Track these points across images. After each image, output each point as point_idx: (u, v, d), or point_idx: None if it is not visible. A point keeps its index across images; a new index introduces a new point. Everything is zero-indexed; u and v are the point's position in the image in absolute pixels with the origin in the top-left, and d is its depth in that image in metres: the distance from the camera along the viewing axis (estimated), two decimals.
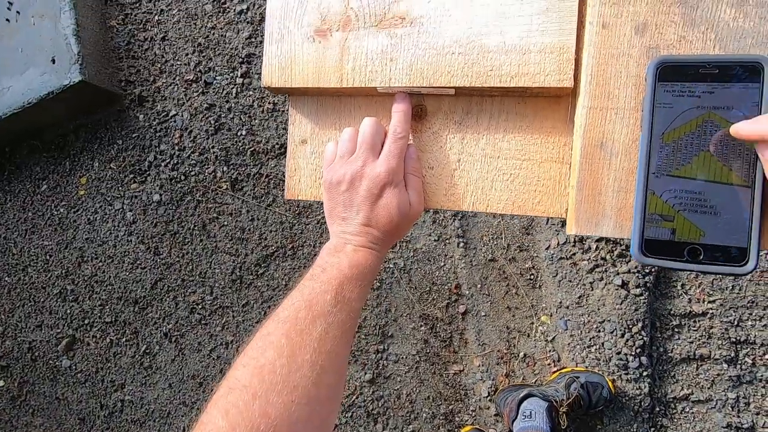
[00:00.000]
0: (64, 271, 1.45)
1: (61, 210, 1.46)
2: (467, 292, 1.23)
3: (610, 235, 0.36)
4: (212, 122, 1.35)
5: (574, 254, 1.15)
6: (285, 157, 0.90)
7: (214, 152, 1.35)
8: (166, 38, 1.41)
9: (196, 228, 1.37)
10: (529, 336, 1.19)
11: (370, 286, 0.42)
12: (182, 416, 1.36)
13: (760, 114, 0.32)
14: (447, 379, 1.21)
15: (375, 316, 1.26)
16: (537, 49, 0.38)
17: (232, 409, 0.31)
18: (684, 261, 0.33)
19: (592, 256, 1.13)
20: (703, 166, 0.33)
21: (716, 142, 0.33)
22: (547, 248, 1.17)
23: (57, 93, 1.29)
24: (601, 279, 1.12)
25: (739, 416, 1.06)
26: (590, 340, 1.12)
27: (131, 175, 1.41)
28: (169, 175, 1.38)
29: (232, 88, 1.35)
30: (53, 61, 1.30)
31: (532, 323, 1.19)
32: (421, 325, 1.24)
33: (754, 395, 1.06)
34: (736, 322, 1.07)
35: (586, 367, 1.10)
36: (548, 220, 1.18)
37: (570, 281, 1.14)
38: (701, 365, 1.08)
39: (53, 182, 1.48)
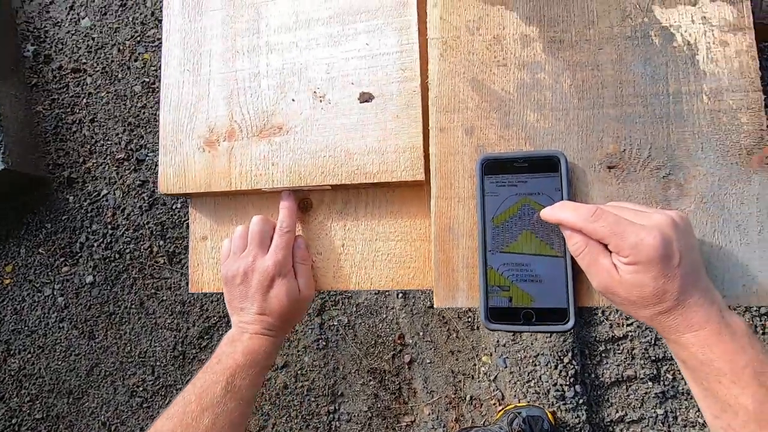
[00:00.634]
0: None
1: None
2: (411, 341, 1.26)
3: (465, 306, 0.42)
4: (146, 198, 1.36)
5: None
6: None
7: (149, 228, 1.35)
8: (96, 119, 1.43)
9: (133, 306, 1.33)
10: (473, 377, 1.23)
11: (265, 371, 0.45)
12: None
13: (562, 197, 0.40)
14: None
15: (323, 376, 1.26)
16: (392, 150, 0.45)
17: None
18: (521, 324, 0.39)
19: None
20: (527, 243, 0.40)
21: (534, 222, 0.40)
22: None
23: None
24: None
25: (669, 431, 1.13)
26: (528, 375, 1.17)
27: (62, 259, 1.37)
28: (103, 255, 1.35)
29: None
30: None
31: (475, 364, 1.23)
32: (370, 380, 1.25)
33: (680, 408, 1.14)
34: (653, 341, 1.16)
35: (528, 402, 1.15)
36: None
37: None
38: (630, 386, 1.16)
39: None
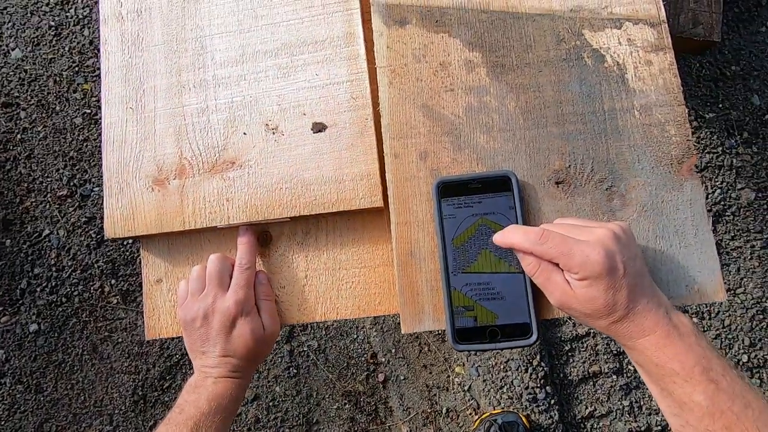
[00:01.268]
0: None
1: None
2: (384, 359, 1.25)
3: (432, 329, 0.42)
4: (93, 236, 1.28)
5: None
6: None
7: (98, 266, 1.27)
8: (32, 156, 1.34)
9: (85, 352, 1.24)
10: (448, 390, 1.23)
11: (232, 416, 0.43)
12: None
13: (516, 215, 0.41)
14: None
15: (297, 405, 1.23)
16: (349, 178, 0.45)
17: None
18: (487, 342, 0.40)
19: None
20: (486, 262, 0.41)
21: (491, 242, 0.41)
22: None
23: None
24: None
25: (636, 420, 1.18)
26: (501, 381, 1.19)
27: (0, 308, 1.26)
28: (48, 300, 1.26)
29: None
30: None
31: (449, 376, 1.24)
32: (345, 403, 1.23)
33: (643, 398, 1.19)
34: None
35: (502, 408, 1.16)
36: None
37: None
38: (596, 381, 1.20)
39: None
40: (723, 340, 1.21)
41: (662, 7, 0.45)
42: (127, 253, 1.28)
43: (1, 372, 1.23)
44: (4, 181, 1.32)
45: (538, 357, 1.18)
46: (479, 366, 1.21)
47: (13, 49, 1.40)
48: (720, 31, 0.80)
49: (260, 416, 1.23)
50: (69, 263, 1.28)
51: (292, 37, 0.48)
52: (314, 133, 0.46)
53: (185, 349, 1.26)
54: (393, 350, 1.25)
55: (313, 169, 0.46)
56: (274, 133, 0.47)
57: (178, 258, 0.50)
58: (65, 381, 1.23)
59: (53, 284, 1.27)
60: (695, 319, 1.22)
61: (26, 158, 1.33)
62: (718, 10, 0.79)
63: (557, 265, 0.35)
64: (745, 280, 1.23)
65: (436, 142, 0.45)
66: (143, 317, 0.50)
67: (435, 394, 1.22)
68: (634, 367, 1.20)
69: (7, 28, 1.41)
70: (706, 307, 1.22)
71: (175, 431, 0.39)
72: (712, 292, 0.40)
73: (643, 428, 1.17)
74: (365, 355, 1.25)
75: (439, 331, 1.25)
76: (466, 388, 1.21)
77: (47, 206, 1.31)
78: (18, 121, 1.36)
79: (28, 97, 1.37)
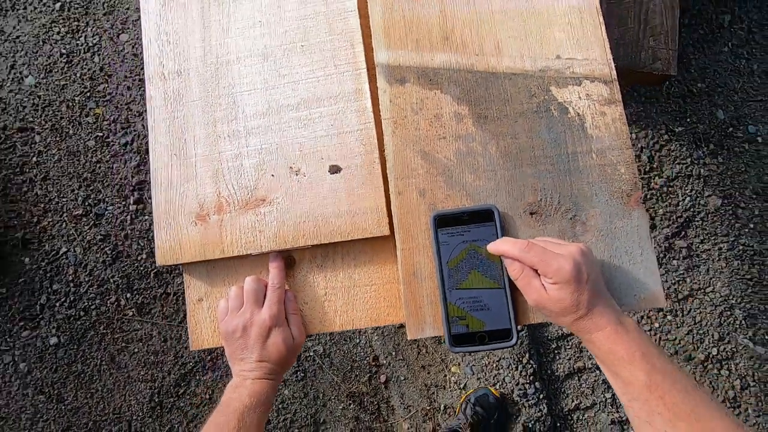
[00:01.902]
0: None
1: None
2: (385, 362, 1.35)
3: (432, 335, 0.52)
4: (108, 252, 1.36)
5: None
6: None
7: (114, 281, 1.35)
8: (48, 177, 1.41)
9: (103, 363, 1.32)
10: (445, 388, 1.33)
11: (269, 411, 0.52)
12: None
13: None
14: None
15: (304, 406, 1.31)
16: (361, 212, 0.55)
17: None
18: (478, 345, 0.50)
19: None
20: (475, 279, 0.51)
21: (478, 264, 0.51)
22: None
23: None
24: None
25: (618, 412, 1.29)
26: (493, 378, 1.29)
27: (21, 323, 1.33)
28: (66, 314, 1.33)
29: (126, 216, 1.39)
30: None
31: (445, 375, 1.34)
32: (350, 404, 1.32)
33: None
34: None
35: (475, 388, 1.26)
36: None
37: None
38: (581, 376, 1.31)
39: None
40: (695, 335, 1.32)
41: (614, 68, 0.55)
42: (141, 268, 1.36)
43: (24, 383, 1.30)
44: (22, 202, 1.39)
45: (527, 355, 1.28)
46: (473, 365, 1.30)
47: (26, 77, 1.47)
48: (676, 65, 0.91)
49: (271, 418, 1.31)
50: (86, 279, 1.35)
51: (310, 93, 0.58)
52: (331, 174, 0.56)
53: (199, 356, 1.34)
54: (393, 353, 1.34)
55: (331, 204, 0.55)
56: (297, 175, 0.56)
57: (216, 280, 0.59)
58: (85, 390, 1.31)
59: (71, 299, 1.34)
60: (669, 317, 1.33)
61: (42, 180, 1.41)
62: (674, 47, 0.90)
63: (536, 272, 0.45)
64: (713, 279, 1.34)
65: (432, 182, 0.54)
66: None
67: (433, 393, 1.32)
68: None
69: (20, 56, 1.49)
70: (679, 306, 1.34)
71: (225, 419, 0.48)
72: (654, 300, 0.50)
73: (624, 418, 1.27)
74: (368, 358, 1.34)
75: (438, 337, 1.34)
76: (461, 386, 1.31)
77: (64, 225, 1.38)
78: (33, 145, 1.43)
79: (43, 122, 1.44)
